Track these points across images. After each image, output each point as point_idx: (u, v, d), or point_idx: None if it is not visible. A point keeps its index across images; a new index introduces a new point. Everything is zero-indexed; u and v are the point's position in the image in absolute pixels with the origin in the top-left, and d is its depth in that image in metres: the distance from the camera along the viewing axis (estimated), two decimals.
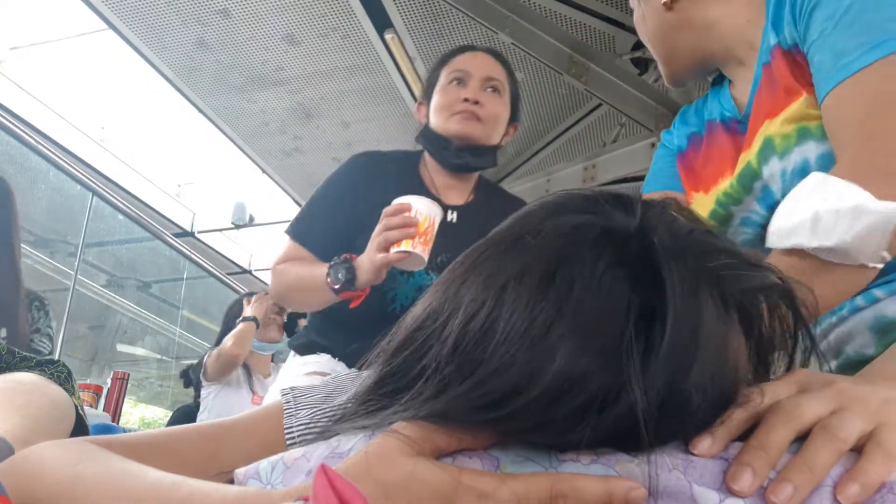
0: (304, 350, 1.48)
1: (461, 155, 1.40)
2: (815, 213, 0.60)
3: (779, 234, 0.65)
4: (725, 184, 0.89)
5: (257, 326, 2.76)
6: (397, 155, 1.52)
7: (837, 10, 0.70)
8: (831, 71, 0.69)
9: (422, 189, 1.40)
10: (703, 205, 0.93)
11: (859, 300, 0.72)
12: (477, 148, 1.40)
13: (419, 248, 1.19)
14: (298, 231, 1.44)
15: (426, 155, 1.48)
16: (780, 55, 0.79)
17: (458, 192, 1.46)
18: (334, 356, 1.43)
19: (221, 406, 2.64)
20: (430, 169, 1.47)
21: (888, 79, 0.65)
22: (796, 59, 0.78)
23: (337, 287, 1.27)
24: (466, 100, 1.37)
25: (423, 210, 1.20)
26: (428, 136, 1.44)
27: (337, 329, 1.43)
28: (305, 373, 1.39)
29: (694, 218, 0.46)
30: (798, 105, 0.76)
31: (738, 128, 0.91)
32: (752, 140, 0.85)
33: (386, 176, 1.42)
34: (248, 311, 2.80)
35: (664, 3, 0.93)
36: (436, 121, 1.42)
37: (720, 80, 0.99)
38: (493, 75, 1.42)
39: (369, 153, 1.50)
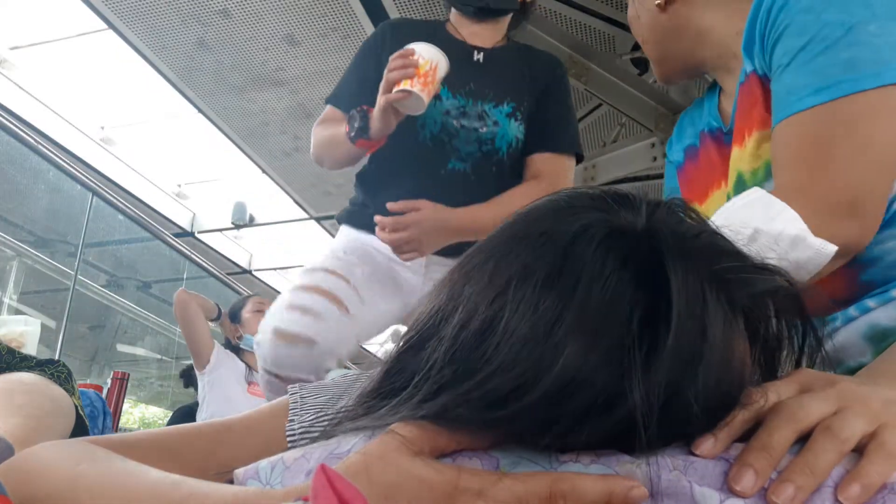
0: (344, 219, 1.52)
1: None
2: (756, 230, 0.62)
3: None
4: (718, 203, 0.89)
5: (218, 315, 2.84)
6: (424, 20, 1.58)
7: (795, 46, 0.72)
8: (780, 105, 0.73)
9: (448, 40, 1.45)
10: None
11: (852, 311, 0.72)
12: None
13: (417, 88, 1.22)
14: (332, 95, 1.51)
15: (452, 13, 1.52)
16: (756, 82, 0.80)
17: (484, 38, 1.49)
18: (371, 229, 1.44)
19: (220, 398, 2.64)
20: (456, 23, 1.51)
21: (823, 123, 0.69)
22: (768, 87, 0.79)
23: (352, 135, 1.32)
24: None
25: (425, 54, 1.25)
26: None
27: (376, 173, 1.49)
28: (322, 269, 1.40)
29: (701, 220, 0.45)
30: (766, 137, 0.78)
31: (724, 139, 0.91)
32: (727, 168, 0.87)
33: (413, 35, 1.44)
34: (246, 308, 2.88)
35: (658, 5, 0.93)
36: None
37: (713, 85, 0.99)
38: None
39: (398, 18, 1.55)
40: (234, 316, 2.88)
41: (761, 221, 0.62)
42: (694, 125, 1.01)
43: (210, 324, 2.86)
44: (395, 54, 1.25)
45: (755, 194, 0.66)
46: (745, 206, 0.65)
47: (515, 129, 1.42)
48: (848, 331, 0.73)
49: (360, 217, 1.48)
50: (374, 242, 1.43)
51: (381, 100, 1.24)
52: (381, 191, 1.42)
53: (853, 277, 0.73)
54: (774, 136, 0.74)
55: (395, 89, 1.22)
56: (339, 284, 1.37)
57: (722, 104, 0.95)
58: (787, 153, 0.71)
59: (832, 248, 0.62)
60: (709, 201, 0.92)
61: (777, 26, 0.75)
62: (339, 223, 1.55)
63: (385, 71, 1.25)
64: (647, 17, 0.96)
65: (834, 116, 0.68)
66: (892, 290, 0.70)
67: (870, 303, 0.71)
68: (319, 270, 1.40)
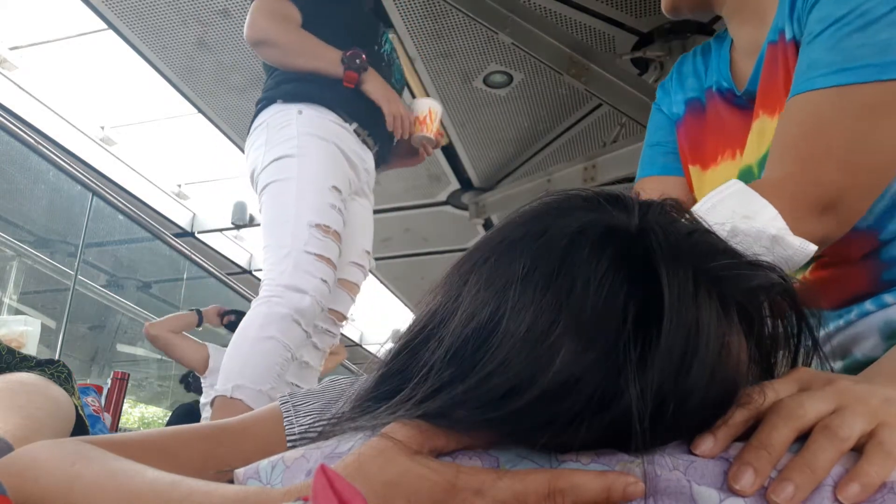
0: (295, 97, 1.69)
1: None
2: (734, 228, 0.58)
3: None
4: (727, 173, 0.83)
5: (199, 322, 2.82)
6: None
7: (832, 15, 0.66)
8: (799, 78, 0.67)
9: None
10: (700, 182, 0.88)
11: (868, 305, 0.71)
12: None
13: (424, 132, 1.82)
14: None
15: None
16: (793, 46, 0.74)
17: None
18: (331, 106, 1.70)
19: None
20: None
21: (833, 108, 0.63)
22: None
23: (348, 67, 1.66)
24: None
25: (420, 108, 1.85)
26: None
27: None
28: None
29: (693, 219, 0.45)
30: None
31: (735, 101, 0.84)
32: (742, 136, 0.81)
33: None
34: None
35: None
36: None
37: (723, 36, 0.90)
38: None
39: None
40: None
41: (740, 219, 0.59)
42: (698, 77, 0.92)
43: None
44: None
45: (734, 187, 0.62)
46: (724, 202, 0.62)
47: None
48: (863, 324, 0.71)
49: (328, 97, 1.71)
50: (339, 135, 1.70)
51: (403, 113, 1.74)
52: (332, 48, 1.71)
53: (875, 276, 0.72)
54: (784, 111, 0.68)
55: (417, 132, 1.81)
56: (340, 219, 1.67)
57: (735, 63, 0.85)
58: (787, 134, 0.66)
59: (812, 248, 0.58)
60: (718, 168, 0.86)
61: None
62: (282, 99, 1.70)
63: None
64: None
65: (846, 103, 0.62)
66: None
67: (887, 298, 0.69)
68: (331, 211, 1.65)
